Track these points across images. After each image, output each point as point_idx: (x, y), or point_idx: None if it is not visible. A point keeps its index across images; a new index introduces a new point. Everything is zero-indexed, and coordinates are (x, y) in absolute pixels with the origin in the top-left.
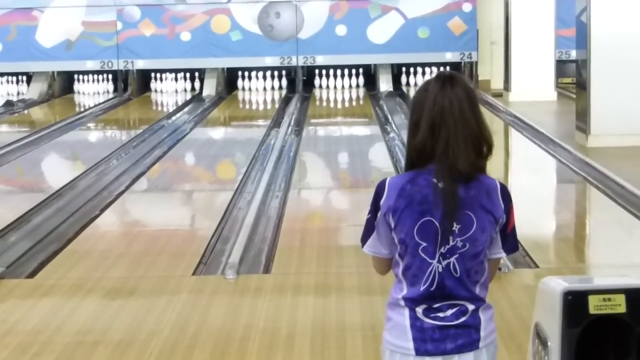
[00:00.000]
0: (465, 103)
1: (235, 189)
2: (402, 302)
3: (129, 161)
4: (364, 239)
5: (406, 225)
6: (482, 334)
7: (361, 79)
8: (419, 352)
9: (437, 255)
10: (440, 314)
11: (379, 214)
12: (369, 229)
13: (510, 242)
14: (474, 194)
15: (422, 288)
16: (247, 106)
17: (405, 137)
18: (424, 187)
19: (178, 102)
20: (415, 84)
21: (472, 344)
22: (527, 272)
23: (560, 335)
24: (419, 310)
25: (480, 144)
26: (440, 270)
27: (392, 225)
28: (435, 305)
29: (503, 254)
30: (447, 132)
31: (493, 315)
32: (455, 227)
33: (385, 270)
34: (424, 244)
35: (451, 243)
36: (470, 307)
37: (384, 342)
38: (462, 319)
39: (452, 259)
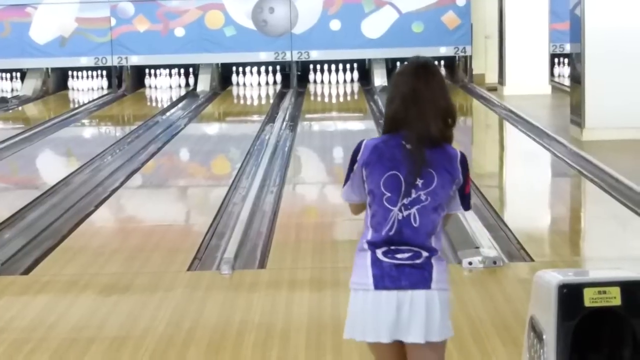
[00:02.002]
0: (435, 85)
1: (230, 185)
2: (366, 246)
3: (124, 157)
4: (344, 188)
5: (375, 177)
6: (433, 277)
7: (355, 74)
8: (377, 286)
9: (398, 205)
10: (398, 255)
11: (355, 167)
12: (346, 181)
13: (467, 201)
14: (437, 157)
15: (383, 232)
16: (242, 101)
17: None
18: (394, 147)
19: (172, 97)
20: None
21: (424, 283)
22: (522, 266)
23: (555, 328)
24: (379, 252)
25: (446, 117)
26: (400, 218)
27: (365, 177)
28: (393, 248)
29: (461, 210)
30: (419, 107)
31: (446, 269)
32: (419, 181)
33: (356, 212)
34: (388, 194)
35: (413, 196)
36: (425, 254)
37: (350, 284)
38: (417, 261)
39: (413, 210)
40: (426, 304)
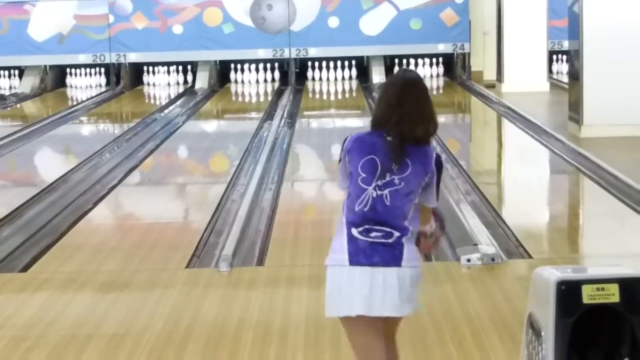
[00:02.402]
0: (421, 98)
1: (228, 182)
2: (344, 225)
3: (122, 154)
4: (339, 178)
5: (355, 162)
6: (404, 255)
7: (354, 71)
8: (352, 262)
9: (373, 185)
10: (372, 234)
11: (341, 156)
12: (338, 172)
13: (437, 197)
14: (415, 151)
15: (357, 209)
16: (240, 99)
17: None
18: (375, 138)
19: (170, 95)
20: None
21: (395, 261)
22: (520, 263)
23: (553, 325)
24: (355, 231)
25: (429, 124)
26: (374, 196)
27: (347, 163)
28: (368, 227)
29: (435, 205)
30: (405, 112)
31: (418, 251)
32: (394, 167)
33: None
34: (364, 175)
35: (387, 179)
36: (396, 234)
37: (326, 261)
38: (389, 240)
39: (386, 191)
40: (398, 280)
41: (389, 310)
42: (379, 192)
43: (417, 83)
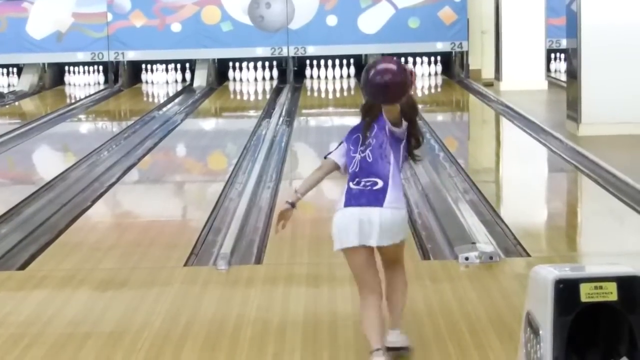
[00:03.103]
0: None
1: (226, 180)
2: (346, 183)
3: (120, 152)
4: (329, 154)
5: (349, 142)
6: (386, 199)
7: (352, 69)
8: (346, 205)
9: (358, 151)
10: (362, 184)
11: (341, 145)
12: (331, 152)
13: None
14: (383, 125)
15: (350, 170)
16: (238, 97)
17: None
18: (360, 124)
19: (169, 93)
20: None
21: (377, 202)
22: (518, 261)
23: (551, 323)
24: (351, 184)
25: (399, 113)
26: (359, 158)
27: (347, 148)
28: (359, 180)
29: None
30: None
31: (400, 197)
32: (370, 135)
33: (324, 171)
34: (353, 148)
35: (366, 143)
36: (380, 182)
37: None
38: (374, 187)
39: (367, 151)
40: (379, 217)
41: (374, 240)
42: (362, 155)
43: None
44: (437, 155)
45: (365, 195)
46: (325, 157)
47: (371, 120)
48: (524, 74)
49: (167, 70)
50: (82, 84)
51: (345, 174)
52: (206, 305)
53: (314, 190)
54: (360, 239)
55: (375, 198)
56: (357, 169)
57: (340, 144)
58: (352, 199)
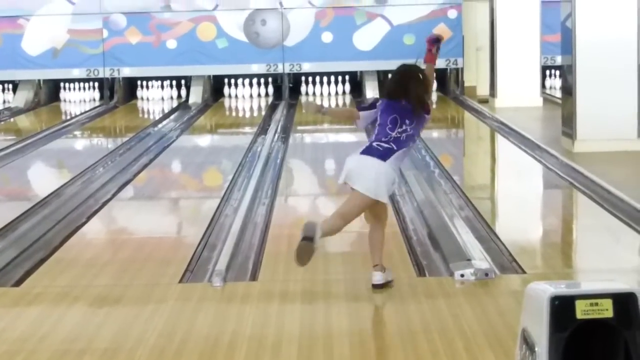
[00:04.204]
0: (420, 80)
1: (221, 196)
2: (369, 141)
3: (115, 169)
4: (361, 109)
5: (383, 117)
6: (391, 158)
7: (347, 86)
8: (361, 153)
9: (395, 131)
10: (381, 144)
11: (373, 110)
12: (363, 107)
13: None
14: (420, 114)
15: (378, 133)
16: (234, 113)
17: None
18: (394, 104)
19: (164, 109)
20: None
21: (383, 157)
22: (514, 278)
23: (547, 340)
24: (375, 143)
25: (423, 97)
26: (395, 136)
27: (378, 116)
28: (381, 142)
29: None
30: (413, 92)
31: (397, 165)
32: (406, 121)
33: (350, 117)
34: (390, 126)
35: (404, 127)
36: (395, 148)
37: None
38: (389, 148)
39: (403, 135)
40: (377, 167)
41: (361, 186)
42: (397, 135)
43: (415, 72)
44: (433, 172)
45: (377, 151)
46: (358, 109)
47: (412, 105)
48: (519, 90)
49: (162, 86)
50: (78, 101)
51: (358, 127)
52: (201, 322)
53: (309, 206)
54: (351, 179)
55: (384, 154)
56: (386, 138)
57: (372, 108)
58: (367, 150)
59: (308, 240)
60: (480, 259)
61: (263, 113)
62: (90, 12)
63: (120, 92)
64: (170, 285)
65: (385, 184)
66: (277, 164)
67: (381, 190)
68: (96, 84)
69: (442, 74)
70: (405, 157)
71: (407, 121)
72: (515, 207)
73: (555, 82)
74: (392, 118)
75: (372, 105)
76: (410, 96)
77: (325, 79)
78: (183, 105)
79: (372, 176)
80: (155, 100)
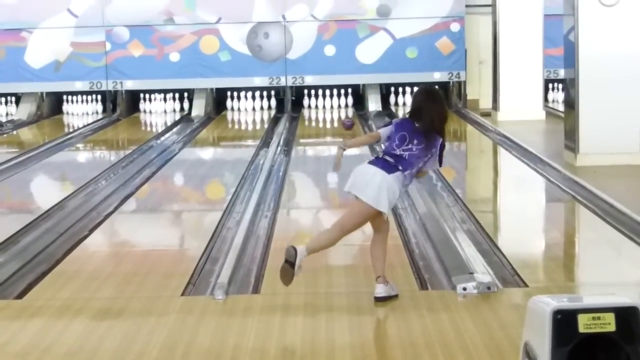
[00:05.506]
0: (438, 103)
1: (224, 209)
2: (379, 154)
3: (118, 182)
4: (380, 128)
5: (396, 135)
6: (396, 173)
7: (350, 99)
8: (368, 163)
9: (401, 148)
10: (389, 160)
11: (390, 126)
12: (383, 125)
13: (440, 160)
14: (430, 136)
15: (387, 149)
16: (236, 126)
17: None
18: (408, 123)
19: (167, 122)
20: (404, 104)
21: (389, 170)
22: (516, 291)
23: (549, 354)
24: (385, 156)
25: (443, 122)
26: (398, 154)
27: (391, 132)
28: (389, 157)
29: (436, 167)
30: (428, 112)
31: (399, 183)
32: (415, 141)
33: (375, 138)
34: (397, 142)
35: (410, 146)
36: (400, 168)
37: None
38: (393, 164)
39: (407, 153)
40: (381, 179)
41: (363, 195)
42: (401, 153)
43: (435, 96)
44: (435, 185)
45: (384, 163)
46: (377, 129)
47: (425, 128)
48: (522, 104)
49: (165, 99)
50: (80, 113)
51: (382, 143)
52: (203, 335)
53: (311, 219)
54: (355, 189)
55: (389, 168)
56: (391, 154)
57: (389, 124)
58: (374, 161)
59: (289, 264)
60: (483, 273)
61: (265, 126)
62: (93, 25)
63: (122, 105)
64: (173, 298)
65: (387, 195)
66: (280, 177)
67: (383, 200)
68: (99, 97)
69: (444, 87)
70: (406, 181)
71: (415, 141)
72: (517, 221)
73: (557, 96)
74: (401, 135)
75: (390, 122)
76: (424, 118)
77: (327, 92)
78: (186, 118)
79: (375, 185)
80: (157, 113)
